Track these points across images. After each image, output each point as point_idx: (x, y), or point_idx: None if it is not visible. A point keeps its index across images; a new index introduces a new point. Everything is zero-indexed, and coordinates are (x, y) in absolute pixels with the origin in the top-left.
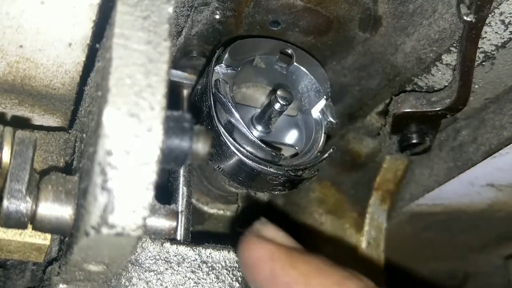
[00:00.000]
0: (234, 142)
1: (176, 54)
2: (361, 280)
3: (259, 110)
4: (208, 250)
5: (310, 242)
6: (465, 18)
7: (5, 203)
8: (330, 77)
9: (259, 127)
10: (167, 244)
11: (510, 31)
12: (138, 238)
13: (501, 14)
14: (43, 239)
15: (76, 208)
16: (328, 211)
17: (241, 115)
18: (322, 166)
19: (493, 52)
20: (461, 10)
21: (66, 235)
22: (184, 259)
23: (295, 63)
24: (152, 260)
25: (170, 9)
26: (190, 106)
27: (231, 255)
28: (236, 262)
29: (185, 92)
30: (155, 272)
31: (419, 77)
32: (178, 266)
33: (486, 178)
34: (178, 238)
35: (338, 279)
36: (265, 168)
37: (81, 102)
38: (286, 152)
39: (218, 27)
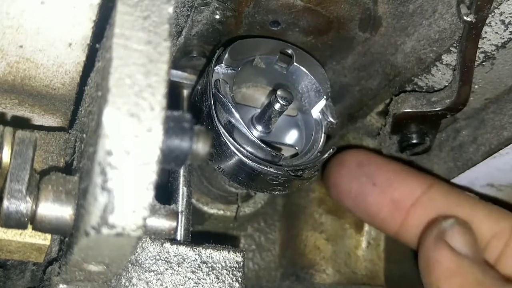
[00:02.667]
0: (234, 142)
1: (176, 54)
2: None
3: (259, 110)
4: (208, 250)
5: (310, 242)
6: (465, 18)
7: (5, 203)
8: (330, 77)
9: (259, 127)
10: (167, 244)
11: (510, 31)
12: (138, 238)
13: (501, 14)
14: (43, 239)
15: (76, 208)
16: (328, 211)
17: (241, 115)
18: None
19: (493, 52)
20: (461, 10)
21: (66, 235)
22: (184, 259)
23: (295, 63)
24: (152, 260)
25: (170, 9)
26: (190, 106)
27: (231, 255)
28: (236, 263)
29: (185, 92)
30: (155, 272)
31: (419, 77)
32: (178, 266)
33: (486, 178)
34: (178, 238)
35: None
36: (265, 168)
37: (81, 102)
38: (286, 152)
39: (218, 27)
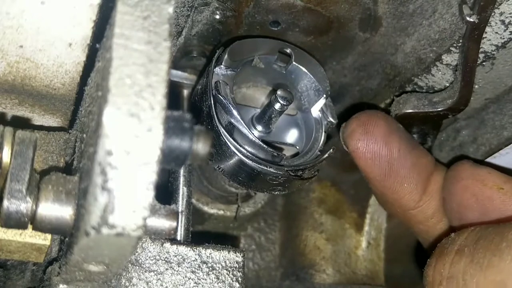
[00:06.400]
0: (234, 142)
1: (176, 54)
2: None
3: (259, 110)
4: (208, 250)
5: (310, 242)
6: (467, 18)
7: (5, 203)
8: (330, 77)
9: (260, 127)
10: (167, 244)
11: (510, 31)
12: (138, 238)
13: (501, 14)
14: (43, 239)
15: (76, 208)
16: (328, 211)
17: (241, 115)
18: (322, 166)
19: (493, 52)
20: (464, 10)
21: (66, 235)
22: (184, 259)
23: (294, 62)
24: (152, 260)
25: (170, 9)
26: (190, 106)
27: (231, 255)
28: (236, 263)
29: (185, 92)
30: (155, 272)
31: (419, 77)
32: (178, 266)
33: None
34: (178, 238)
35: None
36: (265, 168)
37: (81, 102)
38: (287, 152)
39: (218, 27)
